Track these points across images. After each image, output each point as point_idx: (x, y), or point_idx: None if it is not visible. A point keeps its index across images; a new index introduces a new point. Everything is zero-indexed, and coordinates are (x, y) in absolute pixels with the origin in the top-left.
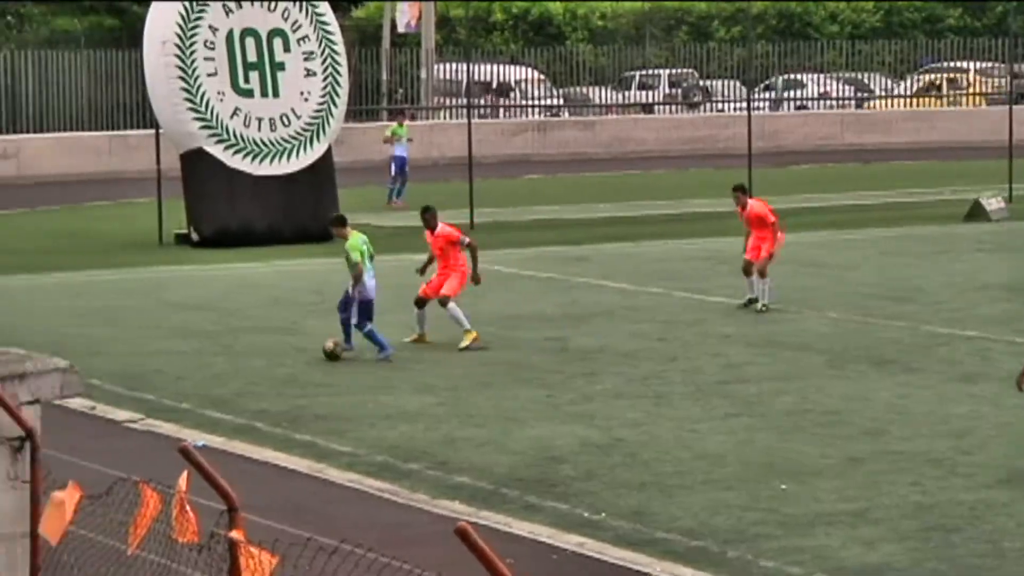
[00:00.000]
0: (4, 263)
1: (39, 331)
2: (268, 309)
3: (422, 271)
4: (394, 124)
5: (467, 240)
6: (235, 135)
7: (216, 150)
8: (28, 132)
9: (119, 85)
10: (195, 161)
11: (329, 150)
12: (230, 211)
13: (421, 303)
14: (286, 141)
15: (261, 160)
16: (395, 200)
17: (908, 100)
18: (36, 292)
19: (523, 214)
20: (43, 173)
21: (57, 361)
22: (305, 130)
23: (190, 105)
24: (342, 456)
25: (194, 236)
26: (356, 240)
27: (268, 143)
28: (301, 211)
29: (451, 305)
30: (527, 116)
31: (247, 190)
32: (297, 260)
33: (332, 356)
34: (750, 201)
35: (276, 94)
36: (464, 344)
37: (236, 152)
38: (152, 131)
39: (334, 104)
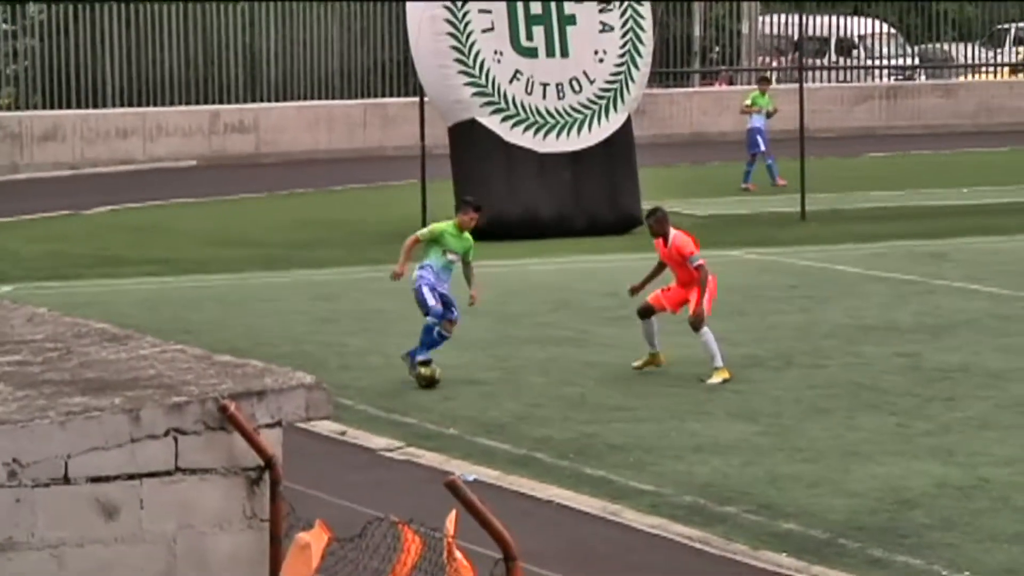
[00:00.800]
0: (240, 257)
1: (280, 339)
2: (553, 315)
3: (639, 288)
4: (755, 91)
5: (699, 260)
6: (515, 103)
7: (492, 122)
8: (268, 101)
9: (376, 43)
10: (466, 135)
11: (628, 122)
12: (508, 196)
13: (647, 312)
14: (576, 111)
15: (546, 134)
16: (749, 182)
17: None
18: (276, 292)
19: (866, 200)
20: (285, 150)
21: (302, 376)
22: (599, 97)
23: (461, 67)
24: (642, 496)
25: None
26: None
27: (555, 113)
28: (595, 196)
29: (706, 330)
30: (873, 80)
31: (529, 171)
32: (589, 256)
33: (432, 382)
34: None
35: (565, 53)
36: (715, 379)
37: (516, 124)
38: (415, 99)
39: (635, 66)
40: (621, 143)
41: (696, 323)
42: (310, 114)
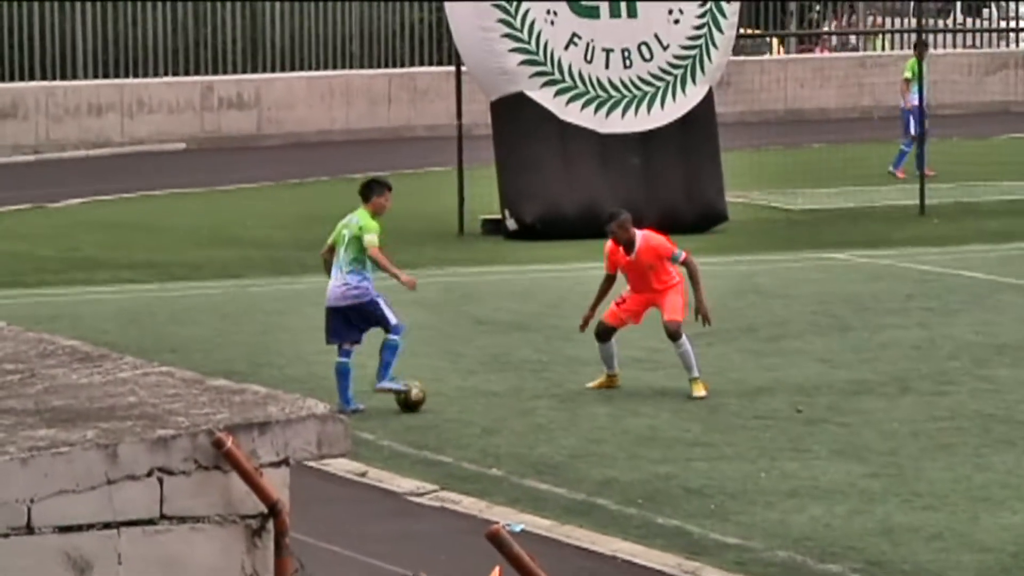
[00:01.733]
0: (239, 260)
1: (288, 360)
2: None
3: (590, 317)
4: (911, 59)
5: (683, 255)
6: (572, 74)
7: (544, 96)
8: (272, 71)
9: (403, 1)
10: (513, 113)
11: (710, 96)
12: (564, 187)
13: (607, 334)
14: (646, 82)
15: (610, 111)
16: (897, 168)
17: None
18: (284, 302)
19: (999, 192)
20: (293, 130)
21: (313, 404)
22: (674, 66)
23: (507, 30)
24: (726, 550)
25: (510, 223)
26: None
27: (620, 85)
28: (668, 187)
29: (684, 340)
30: (1008, 45)
31: (589, 156)
32: None
33: (412, 405)
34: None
35: (632, 13)
36: (701, 392)
37: (573, 99)
38: (450, 69)
39: (717, 28)
40: (701, 122)
41: (677, 329)
42: (323, 86)
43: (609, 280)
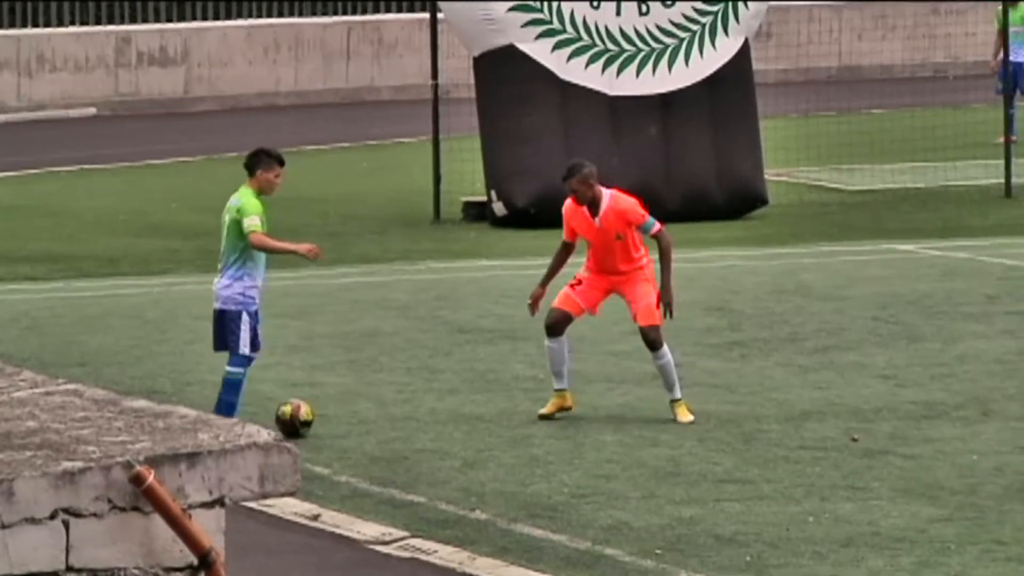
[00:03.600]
0: (164, 252)
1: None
2: (630, 340)
3: (541, 295)
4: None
5: (656, 225)
6: (574, 23)
7: (540, 50)
8: (203, 19)
9: None
10: (500, 71)
11: (745, 50)
12: (564, 162)
13: (559, 326)
14: (667, 33)
15: (621, 68)
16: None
17: None
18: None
19: None
20: (229, 91)
21: (255, 431)
22: (702, 13)
23: None
24: None
25: (498, 207)
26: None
27: (635, 37)
28: (694, 162)
29: (666, 350)
30: None
31: (596, 124)
32: (685, 252)
33: (293, 428)
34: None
35: None
36: (688, 418)
37: (576, 53)
38: (423, 16)
39: None
40: (734, 82)
41: (657, 336)
42: (265, 37)
43: (567, 249)
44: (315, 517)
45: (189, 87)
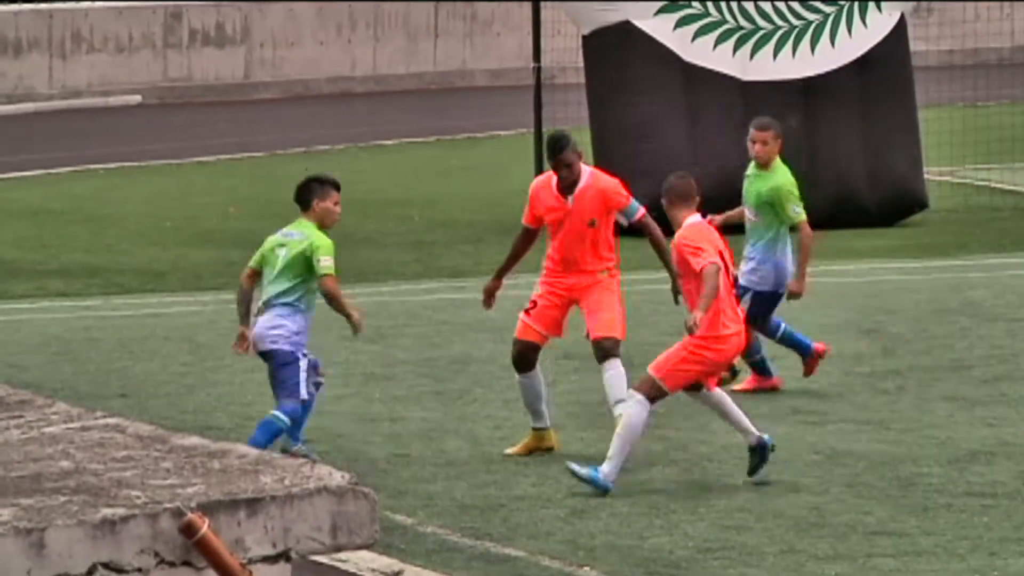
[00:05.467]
0: (218, 264)
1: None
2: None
3: (497, 286)
4: None
5: (641, 211)
6: None
7: (660, 27)
8: None
9: None
10: (615, 52)
11: (902, 28)
12: (688, 156)
13: (527, 357)
14: (810, 8)
15: (756, 48)
16: None
17: None
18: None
19: None
20: (296, 75)
21: (326, 473)
22: None
23: None
24: None
25: None
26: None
27: (773, 13)
28: (842, 159)
29: (619, 362)
30: None
31: (726, 113)
32: (829, 264)
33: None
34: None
35: None
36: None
37: (703, 31)
38: None
39: None
40: (888, 66)
41: (615, 347)
42: (339, 13)
43: (528, 236)
44: (397, 574)
45: (250, 71)
